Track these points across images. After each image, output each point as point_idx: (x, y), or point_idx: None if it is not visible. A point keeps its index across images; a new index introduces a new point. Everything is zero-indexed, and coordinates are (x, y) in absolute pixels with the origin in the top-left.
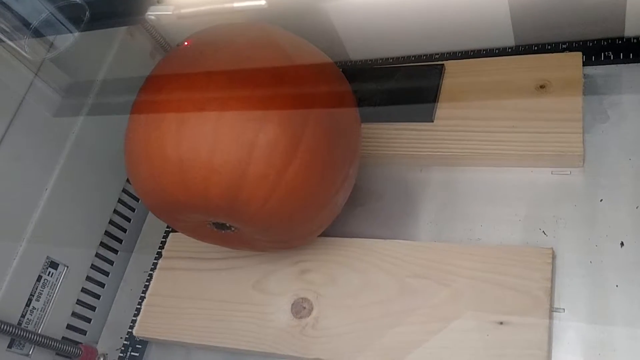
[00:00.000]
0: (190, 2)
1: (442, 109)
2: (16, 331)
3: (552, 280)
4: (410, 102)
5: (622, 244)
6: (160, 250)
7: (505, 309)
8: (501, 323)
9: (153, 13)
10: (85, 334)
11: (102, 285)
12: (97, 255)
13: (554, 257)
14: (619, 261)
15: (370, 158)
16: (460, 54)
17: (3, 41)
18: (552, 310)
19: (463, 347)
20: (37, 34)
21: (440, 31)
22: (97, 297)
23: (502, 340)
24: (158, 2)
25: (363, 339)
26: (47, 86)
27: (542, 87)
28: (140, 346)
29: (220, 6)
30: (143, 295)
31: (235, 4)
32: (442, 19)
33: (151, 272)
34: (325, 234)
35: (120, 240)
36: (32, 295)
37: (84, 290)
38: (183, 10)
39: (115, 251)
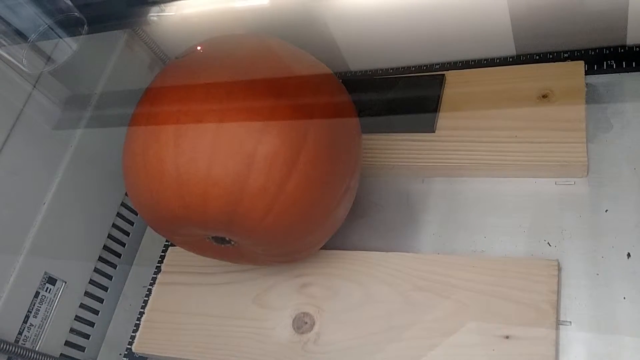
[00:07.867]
0: (192, 3)
1: (444, 119)
2: (13, 349)
3: (558, 292)
4: (411, 112)
5: (628, 255)
6: (159, 264)
7: (511, 322)
8: (507, 337)
9: (155, 14)
10: (83, 351)
11: (100, 300)
12: (96, 270)
13: (559, 268)
14: (625, 272)
15: (371, 169)
16: (461, 64)
17: (0, 54)
18: (558, 323)
19: None
20: (34, 47)
21: (440, 41)
22: (96, 312)
23: (508, 354)
24: (161, 4)
25: (366, 355)
26: (46, 98)
27: (544, 96)
28: None
29: (222, 5)
30: (142, 310)
31: (237, 3)
32: (443, 28)
33: (150, 286)
34: (326, 247)
35: (119, 255)
36: (29, 311)
37: (82, 306)
38: (185, 11)
39: (114, 266)
